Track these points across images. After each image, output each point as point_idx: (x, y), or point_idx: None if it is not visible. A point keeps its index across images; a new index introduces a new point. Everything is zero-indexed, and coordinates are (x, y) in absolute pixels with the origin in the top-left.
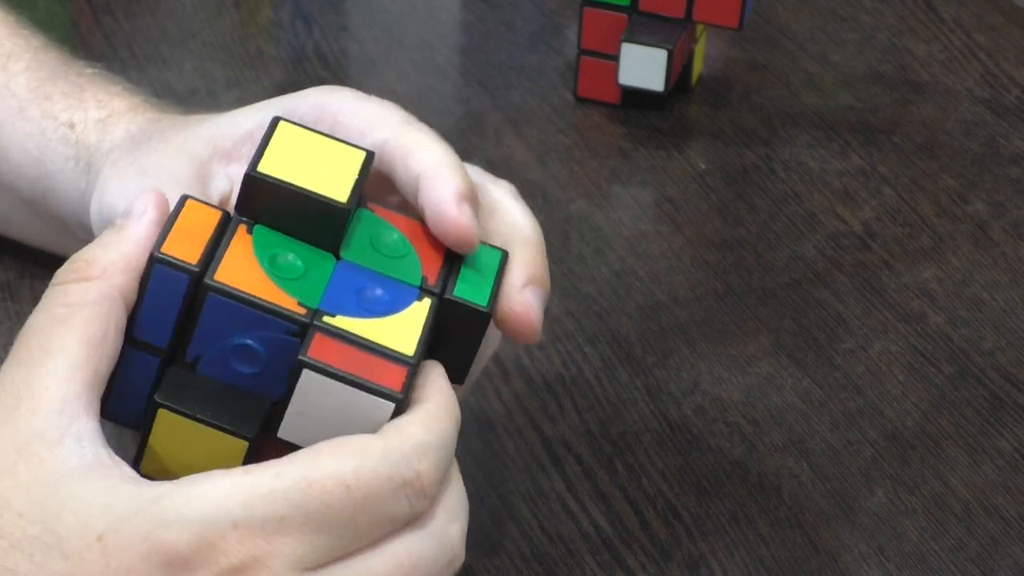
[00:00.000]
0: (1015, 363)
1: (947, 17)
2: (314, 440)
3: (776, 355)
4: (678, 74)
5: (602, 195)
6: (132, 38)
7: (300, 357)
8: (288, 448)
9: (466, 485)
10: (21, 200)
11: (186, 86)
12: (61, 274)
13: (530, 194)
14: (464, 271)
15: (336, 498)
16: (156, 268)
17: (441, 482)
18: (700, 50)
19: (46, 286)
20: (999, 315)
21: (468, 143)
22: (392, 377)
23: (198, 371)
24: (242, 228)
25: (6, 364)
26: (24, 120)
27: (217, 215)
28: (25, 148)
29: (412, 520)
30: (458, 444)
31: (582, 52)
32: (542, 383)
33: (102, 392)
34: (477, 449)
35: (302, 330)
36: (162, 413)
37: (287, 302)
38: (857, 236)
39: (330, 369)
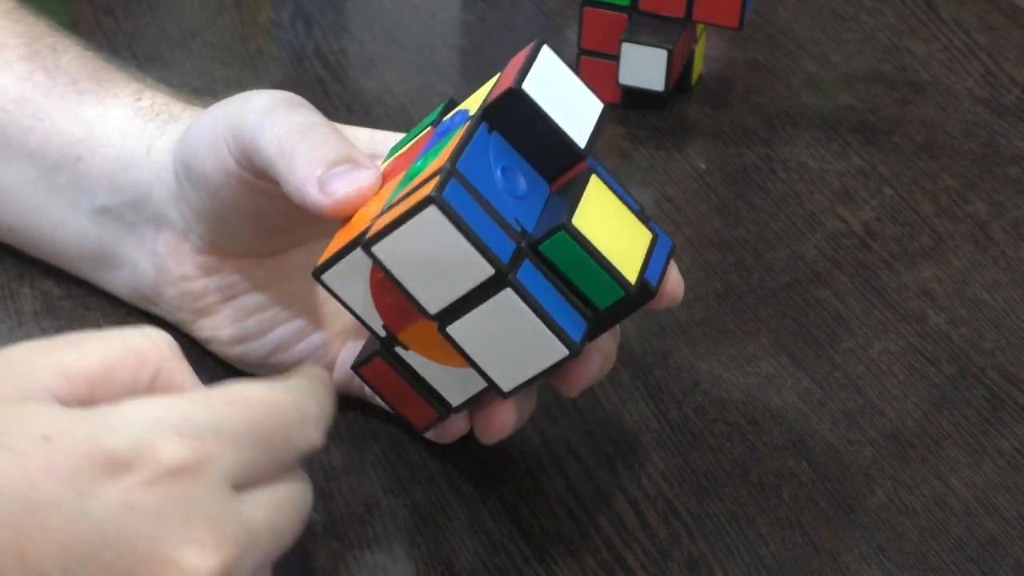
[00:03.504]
0: (1015, 363)
1: (947, 17)
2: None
3: (776, 355)
4: (678, 74)
5: None
6: (132, 38)
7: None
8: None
9: (467, 484)
10: (45, 164)
11: (186, 86)
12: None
13: None
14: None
15: (261, 416)
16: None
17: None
18: (700, 50)
19: (46, 286)
20: (999, 315)
21: None
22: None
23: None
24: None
25: None
26: (77, 93)
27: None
28: (75, 114)
29: (301, 460)
30: (459, 445)
31: (582, 52)
32: (542, 383)
33: None
34: (478, 449)
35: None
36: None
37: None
38: (857, 236)
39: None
